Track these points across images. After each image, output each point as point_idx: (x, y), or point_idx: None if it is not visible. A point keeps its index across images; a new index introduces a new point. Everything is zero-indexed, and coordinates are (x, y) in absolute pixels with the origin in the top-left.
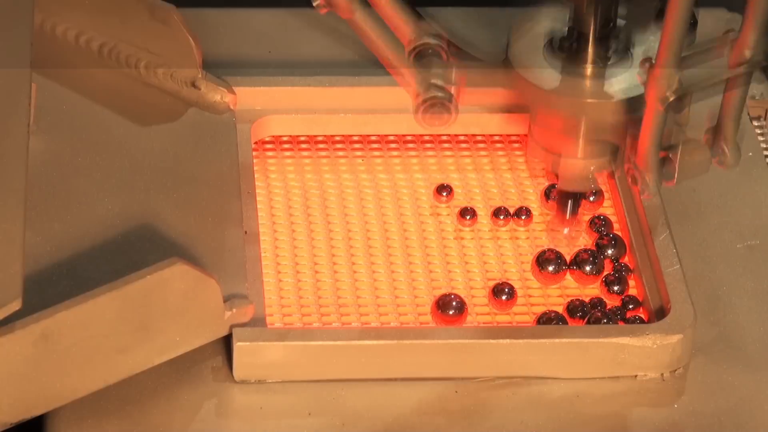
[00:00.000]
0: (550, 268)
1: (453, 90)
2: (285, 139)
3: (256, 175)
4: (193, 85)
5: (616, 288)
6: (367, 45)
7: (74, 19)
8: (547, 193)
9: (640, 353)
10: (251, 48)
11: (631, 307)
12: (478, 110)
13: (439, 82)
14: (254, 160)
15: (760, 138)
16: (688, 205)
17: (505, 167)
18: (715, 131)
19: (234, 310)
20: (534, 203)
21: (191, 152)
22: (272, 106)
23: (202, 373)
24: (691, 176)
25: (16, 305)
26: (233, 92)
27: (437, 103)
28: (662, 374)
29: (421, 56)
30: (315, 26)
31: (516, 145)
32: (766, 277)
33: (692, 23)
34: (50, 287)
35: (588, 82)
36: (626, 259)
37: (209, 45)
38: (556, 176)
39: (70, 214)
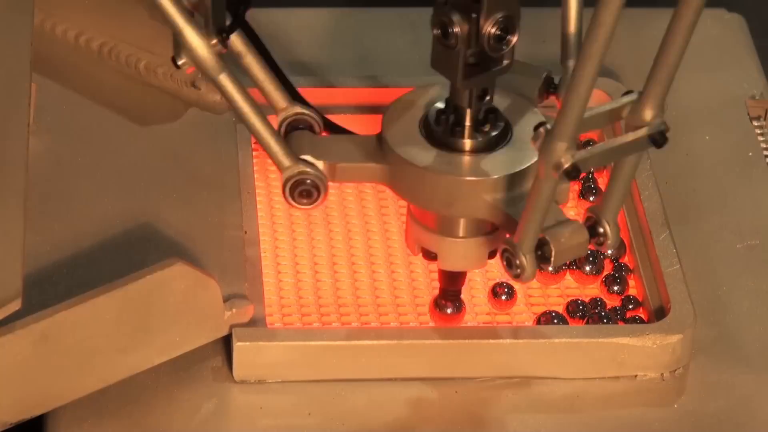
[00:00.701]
0: (550, 268)
1: (323, 166)
2: None
3: (256, 175)
4: (193, 85)
5: (616, 288)
6: (232, 110)
7: (74, 19)
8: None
9: (640, 353)
10: None
11: (631, 307)
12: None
13: (309, 158)
14: (254, 160)
15: (760, 138)
16: (688, 205)
17: None
18: (597, 209)
19: (234, 310)
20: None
21: (191, 152)
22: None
23: (202, 373)
24: (568, 259)
25: (16, 305)
26: None
27: (306, 179)
28: (662, 374)
29: (292, 128)
30: (315, 26)
31: None
32: (766, 277)
33: None
34: (50, 287)
35: (465, 158)
36: (626, 259)
37: None
38: (429, 256)
39: (70, 214)
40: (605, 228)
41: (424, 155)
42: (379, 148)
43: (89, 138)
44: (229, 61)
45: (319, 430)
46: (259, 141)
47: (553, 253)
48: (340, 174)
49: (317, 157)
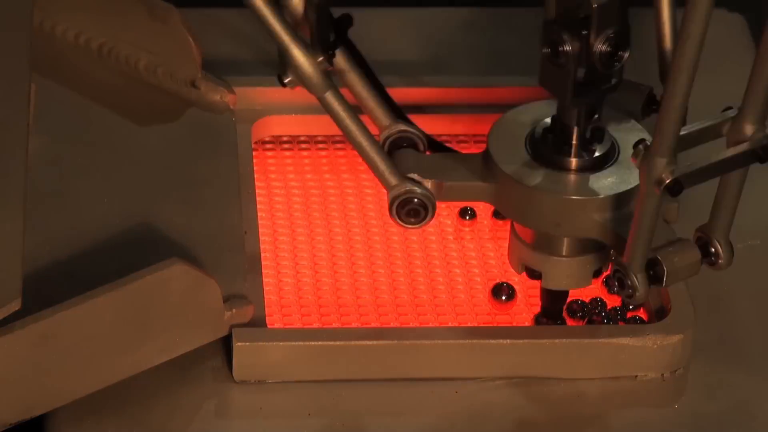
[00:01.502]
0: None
1: (430, 185)
2: (285, 139)
3: (256, 175)
4: (193, 85)
5: (616, 288)
6: (338, 128)
7: (74, 19)
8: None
9: (640, 353)
10: (251, 48)
11: (631, 307)
12: (478, 110)
13: (416, 176)
14: (254, 160)
15: None
16: (688, 205)
17: None
18: (707, 227)
19: (234, 310)
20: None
21: (191, 152)
22: (272, 106)
23: (202, 373)
24: (680, 279)
25: (15, 305)
26: (233, 92)
27: (413, 198)
28: (662, 374)
29: (396, 146)
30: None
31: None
32: (766, 277)
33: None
34: (50, 287)
35: (572, 177)
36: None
37: (209, 45)
38: (532, 275)
39: (70, 214)
40: (717, 247)
41: (532, 174)
42: (485, 166)
43: (89, 138)
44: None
45: (319, 430)
46: (366, 159)
47: (665, 274)
48: (446, 193)
49: (424, 176)
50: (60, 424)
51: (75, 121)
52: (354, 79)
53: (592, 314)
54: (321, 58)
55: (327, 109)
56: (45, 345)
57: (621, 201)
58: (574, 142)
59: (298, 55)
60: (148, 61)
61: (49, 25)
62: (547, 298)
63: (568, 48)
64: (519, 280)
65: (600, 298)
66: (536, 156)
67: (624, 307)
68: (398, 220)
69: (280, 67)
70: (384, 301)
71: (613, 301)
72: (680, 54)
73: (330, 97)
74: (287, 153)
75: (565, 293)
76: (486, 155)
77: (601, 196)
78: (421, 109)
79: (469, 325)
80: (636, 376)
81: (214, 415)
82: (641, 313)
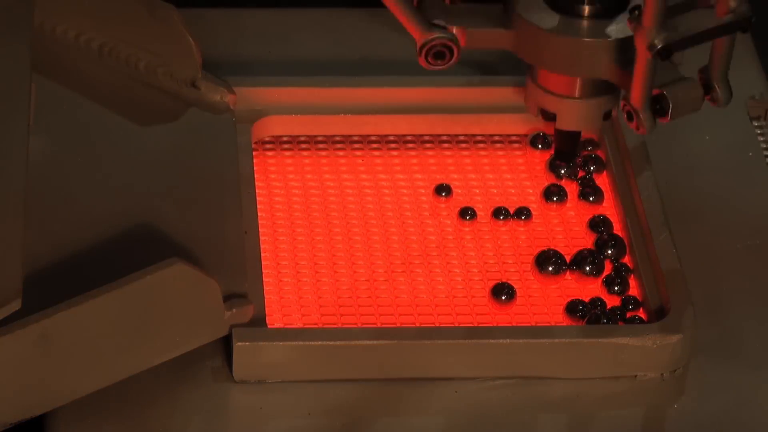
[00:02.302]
0: (550, 268)
1: (455, 30)
2: (285, 139)
3: (256, 175)
4: (193, 85)
5: (616, 288)
6: None
7: (74, 19)
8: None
9: (640, 353)
10: (251, 48)
11: (631, 307)
12: (478, 110)
13: (441, 23)
14: (254, 160)
15: (760, 138)
16: (688, 205)
17: (505, 167)
18: (707, 70)
19: (234, 310)
20: (534, 203)
21: (191, 152)
22: (272, 106)
23: (202, 373)
24: (685, 113)
25: (16, 305)
26: (233, 92)
27: (439, 43)
28: (662, 374)
29: None
30: (315, 26)
31: (516, 144)
32: (766, 277)
33: None
34: (50, 287)
35: (586, 22)
36: (626, 259)
37: (209, 45)
38: (547, 117)
39: (70, 214)
40: (717, 86)
41: (549, 20)
42: (506, 14)
43: (89, 138)
44: None
45: (319, 430)
46: (395, 11)
47: (670, 107)
48: (469, 39)
49: (449, 23)
50: (60, 424)
51: (75, 121)
52: None
53: (591, 314)
54: None
55: None
56: (45, 345)
57: (628, 44)
58: None
59: None
60: (148, 62)
61: (49, 26)
62: (561, 139)
63: None
64: (519, 280)
65: (600, 298)
66: (553, 4)
67: (624, 306)
68: (427, 64)
69: None
70: (384, 301)
71: (612, 301)
72: None
73: None
74: (287, 153)
75: (578, 135)
76: (506, 4)
77: (611, 38)
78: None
79: (469, 325)
80: (636, 376)
81: (214, 415)
82: (641, 313)
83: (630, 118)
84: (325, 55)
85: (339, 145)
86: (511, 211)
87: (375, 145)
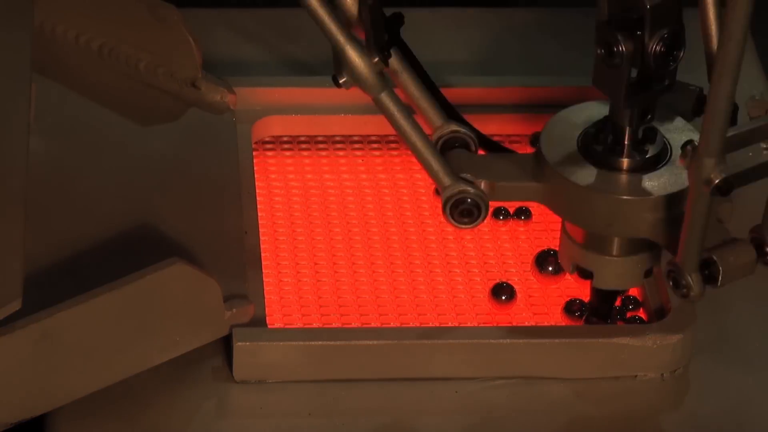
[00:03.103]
0: (550, 268)
1: (483, 185)
2: (285, 139)
3: (256, 175)
4: (193, 85)
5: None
6: (393, 127)
7: (74, 19)
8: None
9: (640, 353)
10: (251, 48)
11: (631, 307)
12: (479, 110)
13: (469, 176)
14: (254, 160)
15: None
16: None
17: None
18: (761, 228)
19: (234, 310)
20: (534, 203)
21: (191, 152)
22: (272, 106)
23: (202, 373)
24: (736, 279)
25: (16, 305)
26: (233, 92)
27: (467, 198)
28: (662, 374)
29: (448, 146)
30: (315, 26)
31: (516, 144)
32: (766, 278)
33: (734, 108)
34: (50, 287)
35: (625, 178)
36: None
37: (209, 45)
38: (584, 275)
39: (70, 214)
40: None
41: (585, 174)
42: (537, 166)
43: (89, 138)
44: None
45: (319, 430)
46: (420, 159)
47: (720, 274)
48: (499, 193)
49: (476, 176)
50: (60, 424)
51: (75, 121)
52: (407, 79)
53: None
54: (376, 59)
55: (382, 110)
56: (45, 345)
57: (673, 201)
58: (626, 142)
59: (354, 56)
60: (148, 62)
61: (49, 26)
62: (598, 297)
63: (622, 48)
64: (519, 280)
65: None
66: (588, 156)
67: (624, 307)
68: (452, 220)
69: (335, 68)
70: (384, 301)
71: None
72: (723, 54)
73: (385, 97)
74: (287, 153)
75: (616, 293)
76: (538, 155)
77: (654, 196)
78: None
79: (469, 325)
80: (636, 376)
81: (214, 415)
82: (641, 313)
83: (676, 284)
84: (325, 55)
85: (339, 145)
86: (511, 211)
87: (375, 145)
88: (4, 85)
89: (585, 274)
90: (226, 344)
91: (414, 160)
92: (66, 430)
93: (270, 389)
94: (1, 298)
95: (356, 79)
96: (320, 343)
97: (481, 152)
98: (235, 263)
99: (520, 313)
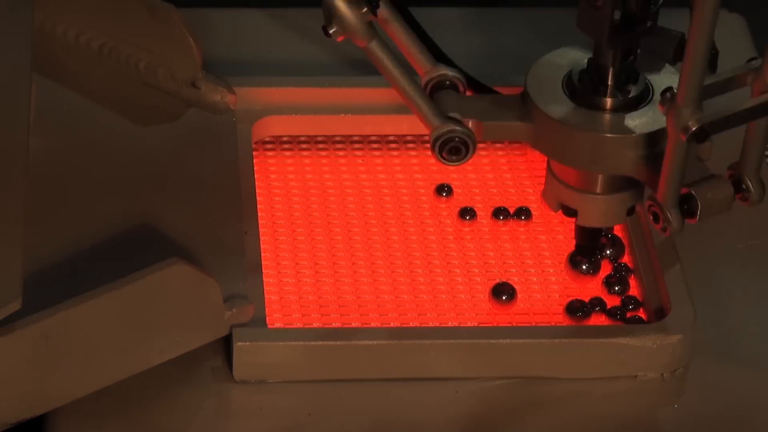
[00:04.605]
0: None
1: (471, 124)
2: (285, 139)
3: (256, 175)
4: (193, 85)
5: (616, 288)
6: (383, 74)
7: (74, 19)
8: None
9: (640, 353)
10: (251, 48)
11: (631, 307)
12: None
13: (457, 116)
14: (254, 160)
15: None
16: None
17: (505, 167)
18: (738, 166)
19: (234, 310)
20: (534, 203)
21: (191, 152)
22: (272, 106)
23: (202, 373)
24: (714, 214)
25: (16, 305)
26: (233, 92)
27: (455, 137)
28: (662, 374)
29: (437, 88)
30: (315, 26)
31: (516, 144)
32: (766, 277)
33: (713, 54)
34: (50, 287)
35: (608, 116)
36: (626, 259)
37: (209, 45)
38: (568, 212)
39: (70, 214)
40: (748, 183)
41: (569, 113)
42: (523, 106)
43: (89, 138)
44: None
45: (319, 430)
46: (409, 103)
47: (699, 208)
48: (486, 132)
49: (464, 116)
50: (60, 424)
51: (75, 121)
52: (396, 27)
53: (591, 314)
54: (365, 9)
55: (372, 58)
56: (45, 345)
57: (654, 139)
58: (610, 82)
59: (343, 6)
60: (148, 62)
61: (49, 26)
62: (582, 235)
63: None
64: (519, 281)
65: (600, 298)
66: (573, 96)
67: (624, 306)
68: (441, 158)
69: (324, 19)
70: (384, 301)
71: (612, 301)
72: (701, 5)
73: (374, 46)
74: (287, 153)
75: (599, 231)
76: (524, 96)
77: (635, 134)
78: None
79: (469, 325)
80: (636, 376)
81: (214, 415)
82: (641, 313)
83: (656, 219)
84: (325, 55)
85: (339, 145)
86: (511, 211)
87: (375, 145)
88: (4, 85)
89: (569, 212)
90: (226, 344)
91: (414, 160)
92: (66, 430)
93: (270, 389)
94: (1, 298)
95: (345, 30)
96: (320, 343)
97: (469, 93)
98: (235, 263)
99: (520, 313)
